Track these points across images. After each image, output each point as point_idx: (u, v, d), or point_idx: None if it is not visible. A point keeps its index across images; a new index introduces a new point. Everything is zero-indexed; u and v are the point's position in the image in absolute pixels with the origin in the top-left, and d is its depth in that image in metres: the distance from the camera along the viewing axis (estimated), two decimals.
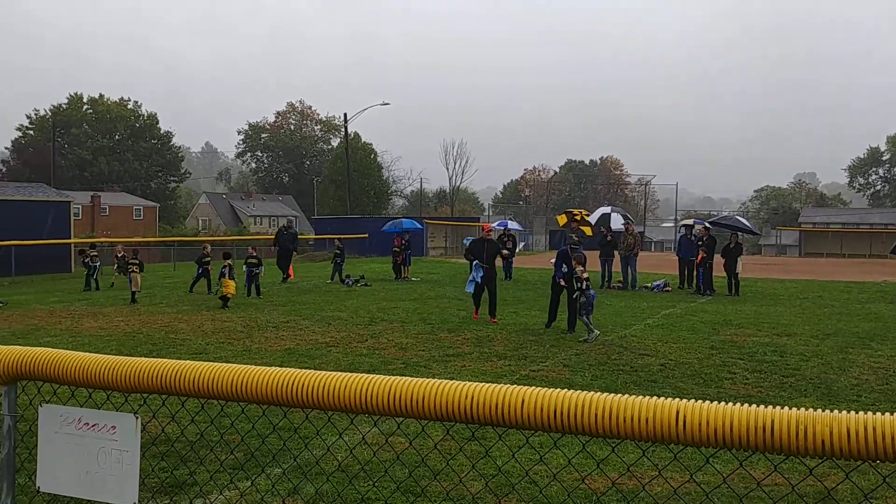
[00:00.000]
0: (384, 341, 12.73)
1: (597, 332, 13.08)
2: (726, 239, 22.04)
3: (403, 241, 26.04)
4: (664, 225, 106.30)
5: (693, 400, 2.23)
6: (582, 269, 13.84)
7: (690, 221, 23.90)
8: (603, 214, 27.33)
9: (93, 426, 3.01)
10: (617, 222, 27.06)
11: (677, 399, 2.23)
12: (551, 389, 2.40)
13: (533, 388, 2.43)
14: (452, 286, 22.44)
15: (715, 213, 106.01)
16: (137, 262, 19.34)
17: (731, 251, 20.99)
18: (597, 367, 10.58)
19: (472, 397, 2.40)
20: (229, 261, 18.30)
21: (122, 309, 17.26)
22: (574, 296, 13.65)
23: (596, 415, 2.21)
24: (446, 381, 2.58)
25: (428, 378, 2.69)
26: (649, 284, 22.47)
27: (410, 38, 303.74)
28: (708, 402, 2.19)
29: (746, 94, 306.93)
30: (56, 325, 14.50)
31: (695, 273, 21.70)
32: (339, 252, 25.18)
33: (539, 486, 5.56)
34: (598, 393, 2.33)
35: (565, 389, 2.41)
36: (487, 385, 2.50)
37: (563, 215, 26.98)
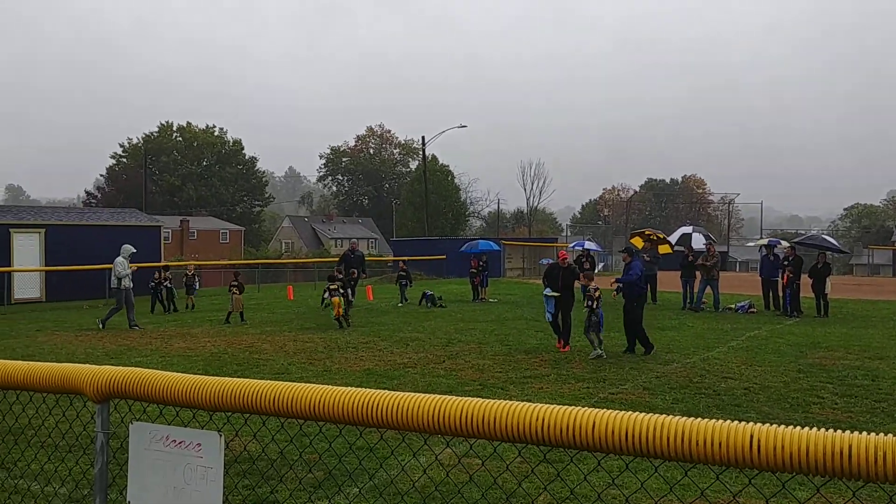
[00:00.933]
0: (461, 363, 12.77)
1: (601, 352, 13.29)
2: (814, 259, 21.33)
3: (481, 263, 26.09)
4: (749, 244, 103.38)
5: (770, 424, 2.19)
6: (595, 286, 14.04)
7: (766, 241, 23.22)
8: (684, 234, 26.81)
9: (179, 443, 3.13)
10: (698, 242, 26.50)
11: (751, 423, 2.20)
12: (622, 412, 2.40)
13: (604, 410, 2.43)
14: (530, 307, 22.36)
15: (802, 232, 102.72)
16: (237, 283, 19.85)
17: (820, 271, 20.30)
18: (678, 390, 10.38)
19: (544, 419, 2.42)
20: (333, 284, 18.15)
21: (209, 330, 17.80)
22: (585, 312, 13.76)
23: (668, 438, 2.20)
24: (518, 402, 2.61)
25: (504, 398, 2.72)
26: (733, 305, 21.91)
27: (486, 59, 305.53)
28: (783, 426, 2.15)
29: (833, 111, 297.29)
30: (147, 346, 15.06)
31: (780, 294, 21.06)
32: (403, 274, 25.30)
33: None
34: (670, 416, 2.32)
35: (637, 412, 2.41)
36: (559, 407, 2.52)
37: (638, 237, 26.58)
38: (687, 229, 28.32)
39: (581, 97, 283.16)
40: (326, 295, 18.35)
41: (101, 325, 18.09)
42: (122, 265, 18.31)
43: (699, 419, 2.26)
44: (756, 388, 10.46)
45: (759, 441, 2.09)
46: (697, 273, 22.77)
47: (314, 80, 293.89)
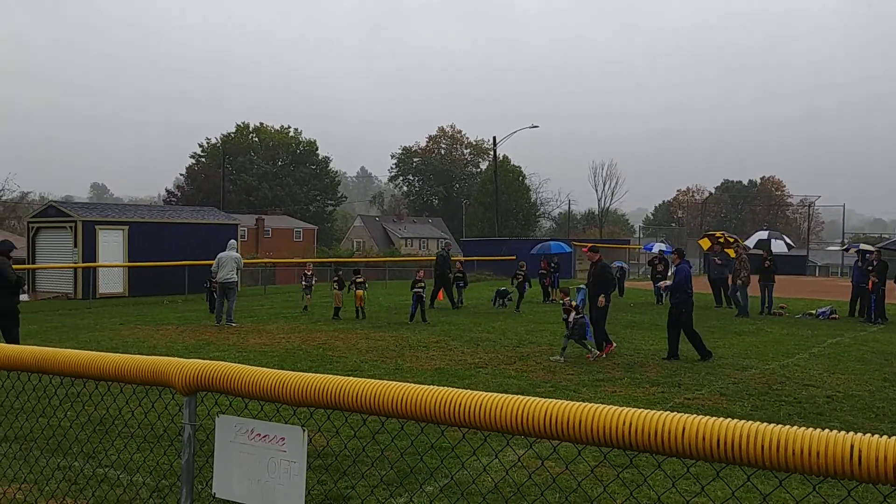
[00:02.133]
0: (532, 364, 12.71)
1: (596, 350, 13.30)
2: None
3: (552, 264, 25.90)
4: (829, 248, 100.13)
5: (868, 434, 2.11)
6: (569, 300, 13.90)
7: (870, 247, 22.33)
8: (760, 240, 26.08)
9: (263, 437, 3.20)
10: (779, 247, 25.81)
11: (850, 433, 2.12)
12: (713, 418, 2.34)
13: (694, 415, 2.38)
14: None
15: (886, 237, 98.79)
16: (363, 279, 20.51)
17: None
18: (756, 396, 10.11)
19: (631, 423, 2.38)
20: (359, 278, 20.14)
21: (284, 326, 18.13)
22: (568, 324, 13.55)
23: (762, 446, 2.14)
24: (603, 405, 2.57)
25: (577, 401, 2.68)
26: (814, 311, 21.24)
27: (558, 63, 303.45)
28: (886, 437, 2.07)
29: None
30: (224, 341, 15.43)
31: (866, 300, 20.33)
32: (460, 275, 24.23)
33: None
34: (764, 423, 2.25)
35: (728, 419, 2.35)
36: (646, 411, 2.47)
37: (706, 238, 26.07)
38: (763, 234, 27.57)
39: (653, 102, 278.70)
40: (352, 286, 20.14)
41: (232, 323, 18.23)
42: (238, 260, 18.91)
43: (794, 427, 2.19)
44: (839, 397, 10.12)
45: (860, 451, 2.01)
46: (774, 278, 22.21)
47: (386, 82, 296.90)
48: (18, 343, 13.06)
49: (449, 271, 23.63)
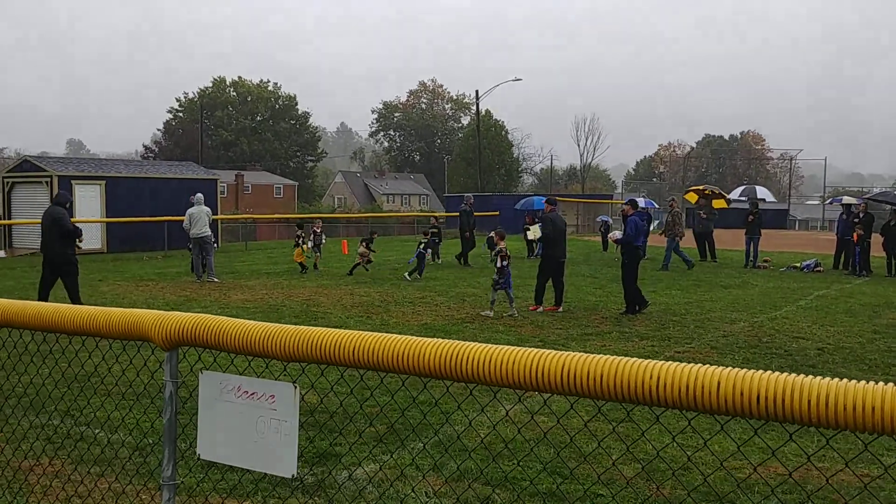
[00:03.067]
0: (520, 319, 12.56)
1: (490, 312, 12.89)
2: (885, 216, 20.50)
3: (536, 219, 25.65)
4: (808, 202, 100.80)
5: None
6: (504, 245, 13.65)
7: (854, 200, 22.27)
8: (745, 188, 25.89)
9: (252, 395, 2.97)
10: (763, 193, 25.75)
11: None
12: (750, 371, 2.13)
13: (729, 368, 2.17)
14: (587, 265, 21.98)
15: (866, 190, 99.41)
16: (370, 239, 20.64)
17: (892, 229, 19.49)
18: (746, 349, 10.02)
19: (659, 377, 2.18)
20: (300, 231, 20.14)
21: (266, 282, 17.86)
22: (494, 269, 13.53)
23: (809, 401, 1.94)
24: (626, 358, 2.35)
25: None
26: (798, 264, 21.23)
27: (538, 12, 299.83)
28: None
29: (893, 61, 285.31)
30: (206, 297, 15.15)
31: (851, 253, 20.32)
32: (435, 231, 22.85)
33: (702, 473, 5.23)
34: (809, 377, 2.05)
35: (763, 371, 2.14)
36: (675, 364, 2.26)
37: (692, 192, 26.00)
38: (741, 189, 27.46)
39: (637, 54, 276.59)
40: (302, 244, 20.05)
41: (213, 279, 17.85)
42: (209, 213, 18.71)
43: (845, 380, 1.98)
44: (830, 349, 10.05)
45: None
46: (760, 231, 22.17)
47: (365, 35, 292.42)
48: (76, 292, 13.09)
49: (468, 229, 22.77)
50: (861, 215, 19.76)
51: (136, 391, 6.87)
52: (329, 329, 2.83)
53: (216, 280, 17.70)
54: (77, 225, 13.39)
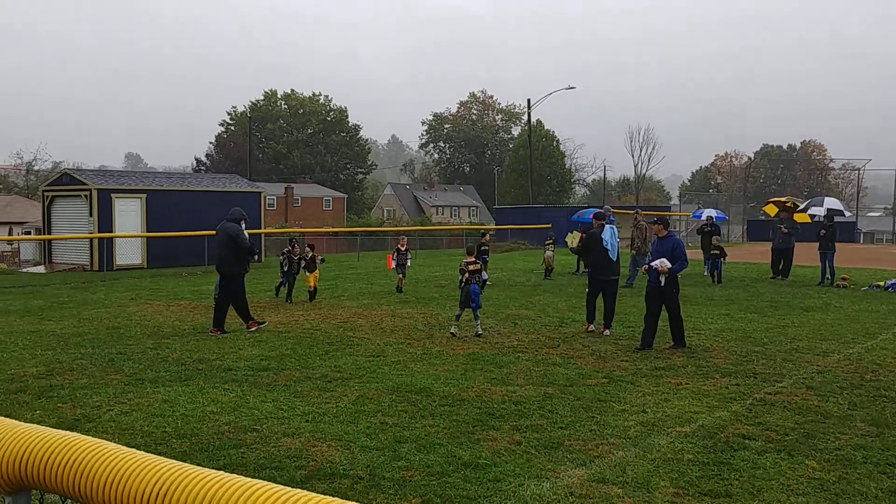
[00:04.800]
0: (578, 347, 11.18)
1: (455, 330, 12.09)
2: None
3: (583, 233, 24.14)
4: (870, 214, 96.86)
5: None
6: (473, 259, 12.61)
7: None
8: (829, 209, 23.83)
9: None
10: (833, 204, 23.87)
11: None
12: None
13: None
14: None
15: None
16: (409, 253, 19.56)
17: None
18: (850, 391, 8.49)
19: None
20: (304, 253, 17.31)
21: (305, 302, 16.76)
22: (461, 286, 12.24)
23: None
24: None
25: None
26: (882, 283, 19.37)
27: (594, 25, 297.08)
28: None
29: None
30: (238, 319, 14.04)
31: None
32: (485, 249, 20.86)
33: None
34: None
35: None
36: None
37: (772, 205, 24.32)
38: (819, 209, 25.55)
39: (692, 64, 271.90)
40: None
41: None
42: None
43: None
44: None
45: None
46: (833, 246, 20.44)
47: (413, 45, 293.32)
48: (245, 306, 12.66)
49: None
50: None
51: None
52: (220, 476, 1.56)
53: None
54: (252, 241, 13.42)
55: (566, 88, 51.88)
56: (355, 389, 8.45)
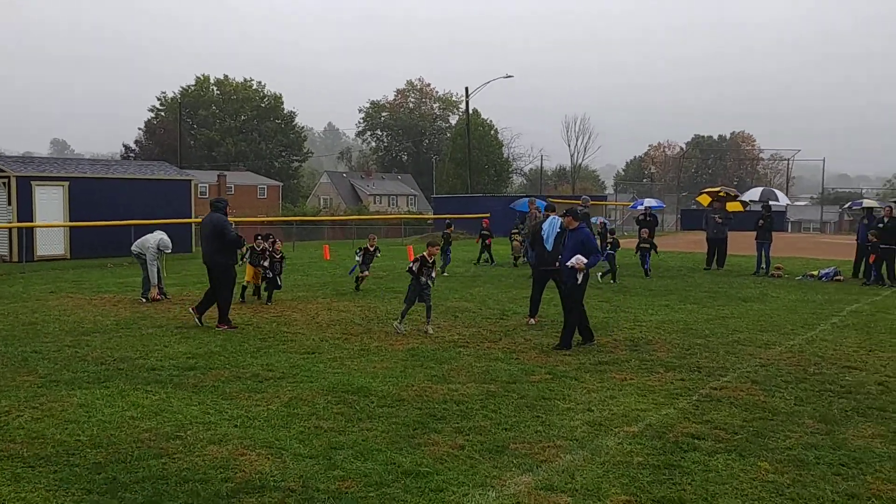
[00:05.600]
0: (520, 341, 10.90)
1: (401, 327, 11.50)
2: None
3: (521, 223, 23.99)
4: (798, 203, 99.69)
5: None
6: (436, 248, 12.17)
7: (875, 203, 20.70)
8: (765, 189, 24.26)
9: None
10: (784, 199, 24.22)
11: None
12: None
13: None
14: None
15: (856, 191, 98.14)
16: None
17: None
18: (795, 385, 8.39)
19: None
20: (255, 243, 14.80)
21: (235, 295, 16.09)
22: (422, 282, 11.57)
23: None
24: None
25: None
26: (815, 272, 19.66)
27: (530, 13, 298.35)
28: None
29: (877, 61, 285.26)
30: (164, 314, 13.40)
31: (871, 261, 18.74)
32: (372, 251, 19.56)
33: None
34: None
35: None
36: None
37: (705, 195, 24.55)
38: (755, 193, 25.96)
39: (626, 56, 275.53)
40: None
41: (143, 299, 15.26)
42: (153, 255, 15.18)
43: None
44: (893, 384, 8.45)
45: None
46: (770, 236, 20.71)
47: (352, 33, 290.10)
48: (227, 305, 11.95)
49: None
50: (886, 220, 18.17)
51: None
52: None
53: (144, 300, 15.17)
54: (239, 233, 12.59)
55: (504, 77, 51.80)
56: (288, 390, 7.99)
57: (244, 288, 14.68)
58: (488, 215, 31.41)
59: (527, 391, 8.02)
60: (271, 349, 10.23)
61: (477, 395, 7.86)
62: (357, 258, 16.76)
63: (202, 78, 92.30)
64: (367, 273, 16.82)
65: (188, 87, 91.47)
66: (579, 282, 10.42)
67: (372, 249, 16.88)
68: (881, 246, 18.20)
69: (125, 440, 6.40)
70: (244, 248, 13.68)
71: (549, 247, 12.06)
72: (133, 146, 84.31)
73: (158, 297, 15.23)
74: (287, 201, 79.05)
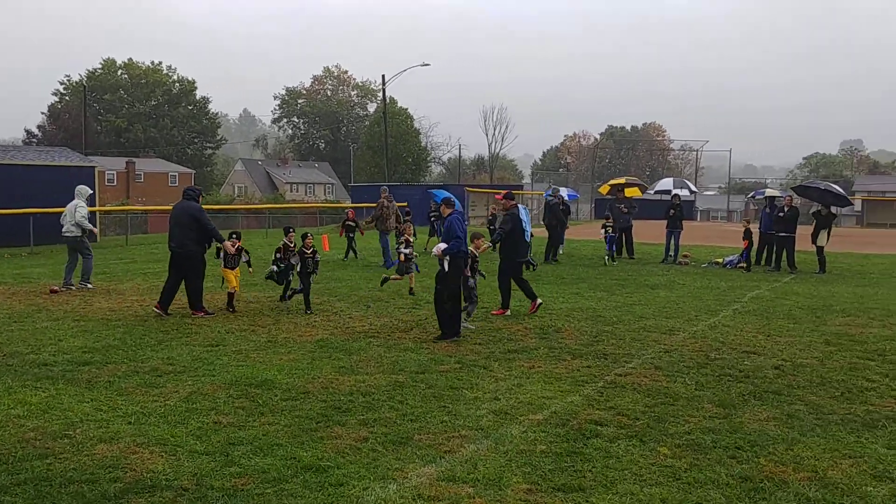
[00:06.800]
0: (432, 331, 10.82)
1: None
2: (812, 208, 19.77)
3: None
4: (706, 193, 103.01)
5: None
6: (479, 245, 11.56)
7: (777, 192, 21.42)
8: (677, 180, 25.04)
9: None
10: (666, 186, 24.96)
11: None
12: None
13: None
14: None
15: (761, 181, 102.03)
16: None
17: (824, 220, 18.80)
18: (696, 370, 8.58)
19: None
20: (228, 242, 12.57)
21: (141, 285, 15.59)
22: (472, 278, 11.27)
23: None
24: None
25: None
26: (720, 260, 20.27)
27: (450, 3, 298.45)
28: None
29: (785, 59, 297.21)
30: (62, 306, 12.82)
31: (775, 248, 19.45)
32: (352, 224, 20.98)
33: None
34: None
35: None
36: None
37: (606, 185, 25.27)
38: (668, 182, 26.67)
39: (544, 49, 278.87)
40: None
41: (88, 286, 14.98)
42: (84, 209, 15.25)
43: None
44: (788, 368, 8.72)
45: None
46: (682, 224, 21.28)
47: (271, 19, 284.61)
48: (199, 294, 12.01)
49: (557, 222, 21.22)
50: (786, 209, 18.85)
51: None
52: None
53: (89, 286, 14.99)
54: (214, 224, 12.39)
55: (420, 65, 51.65)
56: (188, 385, 7.71)
57: (231, 296, 12.44)
58: (353, 207, 30.35)
59: (435, 381, 7.95)
60: (173, 342, 9.89)
61: (384, 386, 7.75)
62: (401, 252, 14.35)
63: (108, 61, 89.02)
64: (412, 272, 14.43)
65: (94, 69, 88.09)
66: (446, 269, 10.42)
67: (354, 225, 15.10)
68: (780, 234, 18.90)
69: (9, 440, 6.06)
70: (214, 247, 12.58)
71: (527, 237, 12.19)
72: (36, 131, 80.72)
73: (59, 289, 14.61)
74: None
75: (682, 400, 7.35)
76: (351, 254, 20.92)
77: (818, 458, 5.80)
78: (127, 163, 71.38)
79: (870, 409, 7.16)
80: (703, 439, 6.19)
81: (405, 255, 13.94)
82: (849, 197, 22.77)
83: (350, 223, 21.15)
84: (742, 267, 19.10)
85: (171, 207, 13.13)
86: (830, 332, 10.87)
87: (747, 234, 19.02)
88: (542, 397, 7.38)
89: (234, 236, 12.79)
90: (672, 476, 5.42)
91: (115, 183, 66.52)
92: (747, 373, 8.46)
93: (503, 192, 14.44)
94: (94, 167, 28.07)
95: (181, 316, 11.86)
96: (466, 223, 21.76)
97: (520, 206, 12.54)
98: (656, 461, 5.70)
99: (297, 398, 7.27)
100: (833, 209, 19.64)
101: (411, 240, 14.28)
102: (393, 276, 14.12)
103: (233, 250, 12.47)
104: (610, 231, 20.64)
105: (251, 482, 5.24)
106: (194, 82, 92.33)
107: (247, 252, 13.02)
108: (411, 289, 14.15)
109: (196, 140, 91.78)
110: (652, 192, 24.76)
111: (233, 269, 12.48)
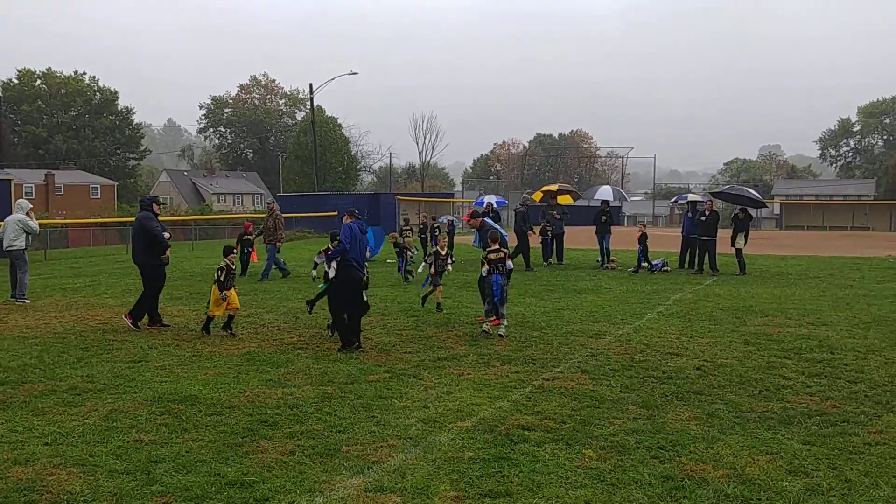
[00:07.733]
0: (362, 340, 10.77)
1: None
2: (732, 211, 20.45)
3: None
4: (633, 199, 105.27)
5: None
6: (496, 248, 11.36)
7: (699, 197, 22.04)
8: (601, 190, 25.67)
9: None
10: (604, 194, 25.49)
11: None
12: None
13: None
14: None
15: (685, 187, 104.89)
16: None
17: (742, 223, 19.42)
18: (621, 372, 8.75)
19: None
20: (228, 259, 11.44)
21: (59, 301, 15.10)
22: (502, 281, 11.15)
23: None
24: None
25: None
26: (646, 264, 20.72)
27: (377, 12, 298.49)
28: None
29: (703, 68, 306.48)
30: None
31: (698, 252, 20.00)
32: (248, 239, 19.31)
33: None
34: None
35: None
36: None
37: (539, 192, 25.70)
38: (607, 190, 27.26)
39: (473, 58, 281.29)
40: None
41: (24, 299, 14.87)
42: (24, 222, 15.26)
43: None
44: (709, 368, 8.96)
45: None
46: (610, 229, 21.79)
47: (198, 28, 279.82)
48: (147, 303, 11.74)
49: (530, 230, 21.23)
50: (707, 213, 19.40)
51: None
52: None
53: (26, 301, 14.81)
54: (166, 233, 12.17)
55: (349, 74, 51.44)
56: (108, 402, 7.50)
57: (209, 320, 11.35)
58: (250, 219, 29.22)
59: (364, 391, 7.91)
60: (94, 358, 9.60)
61: (312, 397, 7.68)
62: (425, 263, 14.24)
63: (24, 71, 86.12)
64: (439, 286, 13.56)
65: (9, 80, 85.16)
66: (332, 275, 10.48)
67: (443, 254, 13.63)
68: (702, 237, 19.44)
69: None
70: (222, 268, 11.16)
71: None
72: None
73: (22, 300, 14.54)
74: (123, 201, 75.08)
75: (608, 402, 7.48)
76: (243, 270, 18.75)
77: (737, 456, 5.97)
78: (46, 175, 69.16)
79: (786, 406, 7.42)
80: (627, 440, 6.31)
81: (433, 267, 13.50)
82: (764, 200, 23.57)
83: (247, 237, 19.39)
84: (648, 269, 19.78)
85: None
86: (749, 333, 11.22)
87: (643, 239, 19.86)
88: (470, 404, 7.42)
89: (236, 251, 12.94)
90: (597, 478, 5.51)
91: (33, 196, 64.28)
92: (670, 374, 8.67)
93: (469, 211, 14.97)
94: (10, 180, 27.10)
95: (103, 332, 11.52)
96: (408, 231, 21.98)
97: (492, 215, 12.70)
98: (582, 463, 5.79)
99: (222, 413, 7.14)
100: (750, 211, 20.30)
101: (442, 252, 13.59)
102: (427, 291, 13.71)
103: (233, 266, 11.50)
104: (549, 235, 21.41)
105: (173, 500, 5.12)
106: (116, 92, 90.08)
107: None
108: (438, 304, 13.39)
109: (119, 151, 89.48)
110: (588, 201, 25.29)
111: (229, 288, 11.27)
